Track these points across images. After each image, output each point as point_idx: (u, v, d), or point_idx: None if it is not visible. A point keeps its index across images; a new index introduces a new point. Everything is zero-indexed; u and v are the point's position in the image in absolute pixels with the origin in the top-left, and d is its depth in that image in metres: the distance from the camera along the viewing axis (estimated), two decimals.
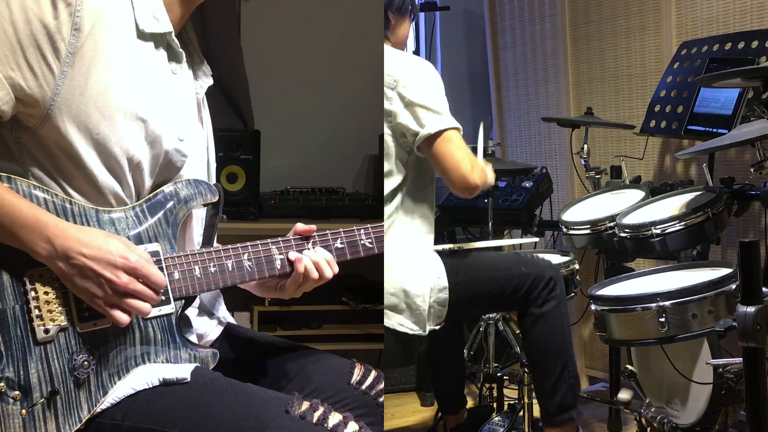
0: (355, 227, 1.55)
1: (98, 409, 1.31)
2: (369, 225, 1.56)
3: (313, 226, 1.51)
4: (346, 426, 1.31)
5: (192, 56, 1.50)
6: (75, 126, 1.28)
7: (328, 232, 1.53)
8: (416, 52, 4.16)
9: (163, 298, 1.35)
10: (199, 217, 1.51)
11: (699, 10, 2.83)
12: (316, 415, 1.30)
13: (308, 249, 1.49)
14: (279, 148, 3.49)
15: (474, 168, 2.08)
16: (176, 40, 1.41)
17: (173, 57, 1.42)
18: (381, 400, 1.57)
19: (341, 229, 1.54)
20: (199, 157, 1.52)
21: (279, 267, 1.47)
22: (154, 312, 1.34)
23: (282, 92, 3.55)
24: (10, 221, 1.24)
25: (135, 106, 1.33)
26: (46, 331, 1.27)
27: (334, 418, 1.31)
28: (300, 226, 1.51)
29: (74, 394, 1.29)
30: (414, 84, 2.08)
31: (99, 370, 1.31)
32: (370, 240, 1.55)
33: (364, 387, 1.55)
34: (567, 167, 3.43)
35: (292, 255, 1.47)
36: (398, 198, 2.14)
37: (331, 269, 1.50)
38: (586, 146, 2.91)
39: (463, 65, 4.32)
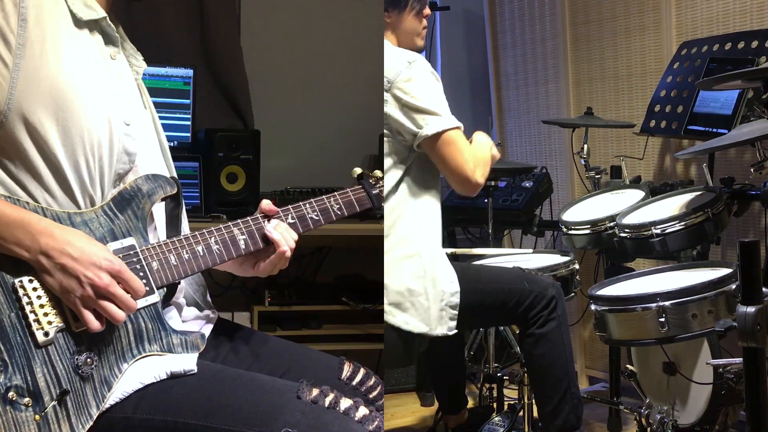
0: (324, 196, 1.61)
1: (106, 405, 1.32)
2: (336, 192, 1.62)
3: (275, 208, 1.55)
4: (357, 410, 1.33)
5: (122, 42, 1.52)
6: (36, 118, 1.29)
7: (300, 203, 1.59)
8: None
9: (147, 289, 1.37)
10: (159, 210, 1.52)
11: (699, 10, 2.83)
12: (328, 399, 1.32)
13: (267, 223, 1.53)
14: (279, 148, 3.49)
15: (476, 167, 2.08)
16: (111, 25, 1.44)
17: (109, 42, 1.45)
18: (373, 396, 1.59)
19: (312, 200, 1.60)
20: (150, 141, 1.53)
21: (244, 247, 1.50)
22: (141, 303, 1.36)
23: (282, 92, 3.55)
24: None
25: (86, 93, 1.34)
26: (46, 334, 1.27)
27: (345, 402, 1.34)
28: (264, 204, 1.55)
29: (81, 392, 1.29)
30: (407, 85, 2.05)
31: (100, 365, 1.32)
32: (338, 206, 1.61)
33: (354, 383, 1.58)
34: (567, 167, 3.44)
35: (271, 233, 1.51)
36: (400, 192, 2.12)
37: (292, 240, 1.54)
38: (586, 146, 2.92)
39: (463, 65, 4.32)
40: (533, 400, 2.40)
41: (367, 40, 3.18)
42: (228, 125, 3.40)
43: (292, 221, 1.56)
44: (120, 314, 1.29)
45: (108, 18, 1.43)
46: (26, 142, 1.30)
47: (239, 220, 1.52)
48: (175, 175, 1.56)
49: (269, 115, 3.53)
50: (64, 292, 1.27)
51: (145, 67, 1.56)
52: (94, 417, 1.30)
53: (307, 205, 1.59)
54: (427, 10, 2.24)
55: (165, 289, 1.42)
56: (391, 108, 2.07)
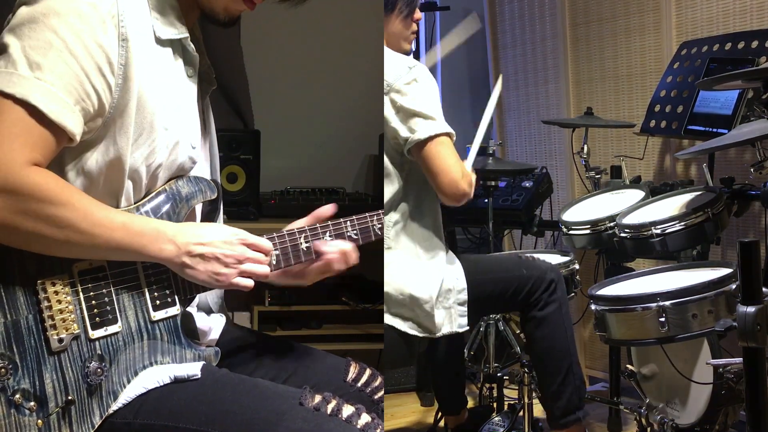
0: (366, 214, 1.57)
1: (110, 412, 1.31)
2: (367, 214, 1.58)
3: (330, 206, 1.55)
4: (359, 417, 1.33)
5: (200, 59, 1.50)
6: (121, 135, 1.29)
7: (340, 220, 1.56)
8: (416, 52, 4.15)
9: (169, 300, 1.37)
10: (200, 214, 1.51)
11: (699, 10, 2.83)
12: (330, 406, 1.32)
13: (303, 240, 1.51)
14: (279, 148, 3.49)
15: (464, 176, 2.04)
16: (192, 45, 1.41)
17: (189, 61, 1.43)
18: (377, 397, 1.58)
19: (354, 217, 1.57)
20: (205, 163, 1.53)
21: (275, 263, 1.48)
22: (161, 314, 1.36)
23: (282, 92, 3.55)
24: (140, 241, 1.29)
25: (160, 114, 1.34)
26: (60, 340, 1.27)
27: (348, 409, 1.33)
28: (321, 212, 1.54)
29: (87, 401, 1.29)
30: (406, 88, 2.05)
31: (110, 375, 1.31)
32: (380, 227, 1.59)
33: (359, 384, 1.57)
34: (567, 167, 3.44)
35: (321, 245, 1.51)
36: (403, 206, 2.12)
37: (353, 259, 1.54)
38: (586, 146, 2.91)
39: (463, 65, 4.32)
40: (534, 401, 2.40)
41: (367, 41, 3.17)
42: (228, 125, 3.40)
43: (329, 238, 1.53)
44: (263, 270, 1.40)
45: (189, 38, 1.40)
46: (98, 155, 1.30)
47: (275, 234, 1.49)
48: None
49: (269, 115, 3.54)
50: (211, 276, 1.34)
51: (215, 86, 1.56)
52: (96, 425, 1.30)
53: (348, 222, 1.56)
54: (417, 14, 2.21)
55: (189, 300, 1.41)
56: (388, 111, 2.07)
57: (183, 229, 1.34)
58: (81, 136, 1.26)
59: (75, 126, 1.23)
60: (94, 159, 1.30)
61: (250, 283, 1.39)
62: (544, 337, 2.23)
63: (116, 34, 1.26)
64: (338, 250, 1.51)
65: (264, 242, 1.41)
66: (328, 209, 1.54)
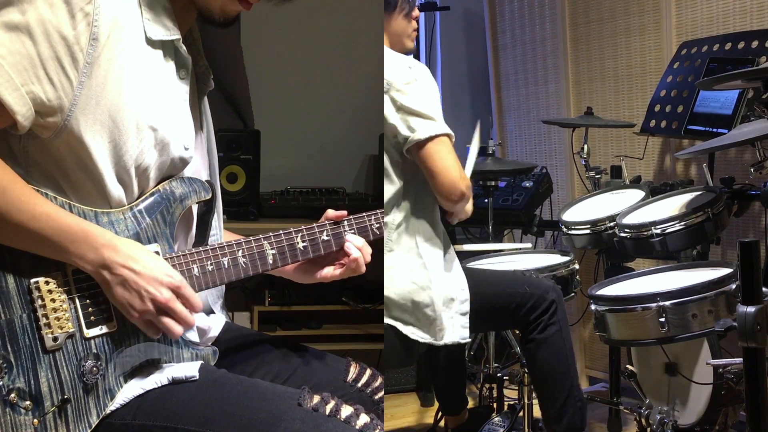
0: (364, 214, 1.58)
1: (107, 411, 1.31)
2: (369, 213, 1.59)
3: (344, 212, 1.55)
4: (358, 417, 1.32)
5: (196, 59, 1.50)
6: (90, 135, 1.28)
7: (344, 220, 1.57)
8: (416, 52, 4.16)
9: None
10: (196, 215, 1.51)
11: (699, 10, 2.83)
12: (328, 407, 1.31)
13: (347, 233, 1.53)
14: (279, 148, 3.49)
15: (463, 177, 2.06)
16: (183, 47, 1.41)
17: (181, 63, 1.42)
18: (378, 397, 1.58)
19: (351, 216, 1.58)
20: (201, 163, 1.52)
21: (272, 262, 1.48)
22: None
23: (282, 92, 3.55)
24: (62, 237, 1.25)
25: (147, 115, 1.33)
26: (55, 339, 1.27)
27: (346, 410, 1.33)
28: (331, 213, 1.55)
29: (83, 400, 1.29)
30: (406, 88, 2.05)
31: (106, 374, 1.31)
32: (377, 226, 1.59)
33: (359, 385, 1.57)
34: (567, 167, 3.44)
35: (346, 244, 1.53)
36: (404, 206, 2.11)
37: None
38: (586, 146, 2.91)
39: (463, 65, 4.32)
40: (534, 401, 2.40)
41: (367, 41, 3.18)
42: (228, 125, 3.40)
43: (326, 238, 1.52)
44: (178, 329, 1.31)
45: (181, 39, 1.39)
46: (74, 155, 1.28)
47: (271, 234, 1.48)
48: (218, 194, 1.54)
49: (269, 115, 3.54)
50: (125, 305, 1.29)
51: (212, 87, 1.55)
52: (93, 425, 1.30)
53: (345, 222, 1.55)
54: (416, 12, 2.22)
55: None
56: (388, 110, 2.07)
57: (118, 245, 1.28)
58: (34, 126, 1.25)
59: (16, 104, 1.21)
60: (73, 160, 1.29)
61: (156, 334, 1.33)
62: (544, 360, 2.23)
63: (87, 32, 1.24)
64: (360, 247, 1.53)
65: (195, 299, 1.33)
66: (337, 213, 1.55)
